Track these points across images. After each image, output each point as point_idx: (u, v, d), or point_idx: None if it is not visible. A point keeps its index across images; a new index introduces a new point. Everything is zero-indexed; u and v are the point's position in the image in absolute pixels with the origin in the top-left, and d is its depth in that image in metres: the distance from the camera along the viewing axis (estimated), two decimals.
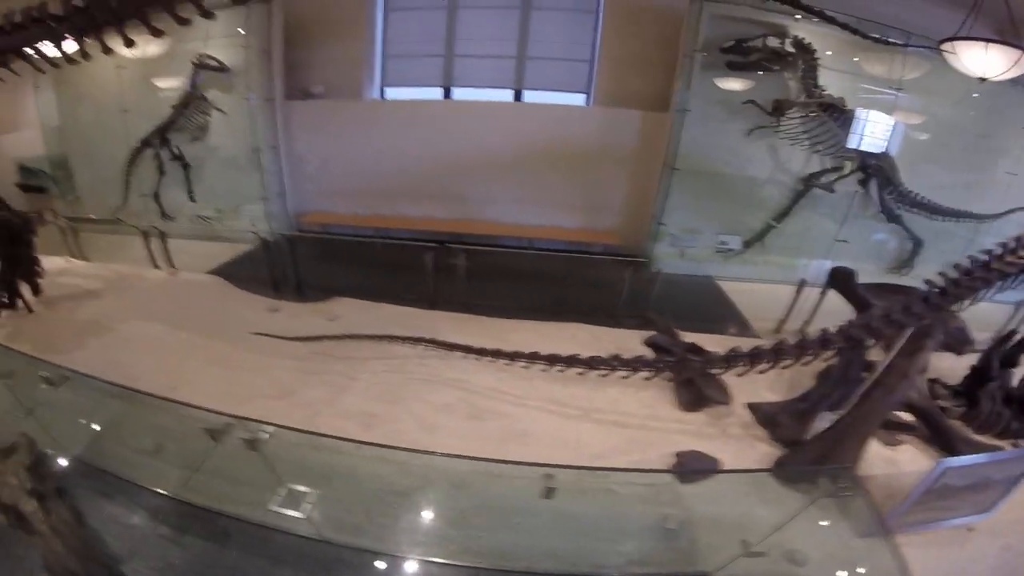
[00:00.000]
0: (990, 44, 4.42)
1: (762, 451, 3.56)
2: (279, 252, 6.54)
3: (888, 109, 6.50)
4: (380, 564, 2.63)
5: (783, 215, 7.17)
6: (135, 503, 2.78)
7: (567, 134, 7.63)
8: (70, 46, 3.19)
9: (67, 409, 3.35)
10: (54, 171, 7.98)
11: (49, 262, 5.77)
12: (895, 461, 3.44)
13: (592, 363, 3.59)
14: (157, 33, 2.99)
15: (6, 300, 5.07)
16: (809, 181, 6.95)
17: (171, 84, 7.51)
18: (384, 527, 2.76)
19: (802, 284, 5.53)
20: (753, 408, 3.91)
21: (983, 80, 4.60)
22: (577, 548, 2.74)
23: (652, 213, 7.33)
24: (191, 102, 7.46)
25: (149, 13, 2.91)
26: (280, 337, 4.88)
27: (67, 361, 3.79)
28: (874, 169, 6.69)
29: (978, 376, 3.79)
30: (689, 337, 4.85)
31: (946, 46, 4.64)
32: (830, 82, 6.51)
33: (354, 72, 8.05)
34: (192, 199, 8.00)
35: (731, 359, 3.20)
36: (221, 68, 7.31)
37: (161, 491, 2.81)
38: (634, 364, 3.47)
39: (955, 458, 2.63)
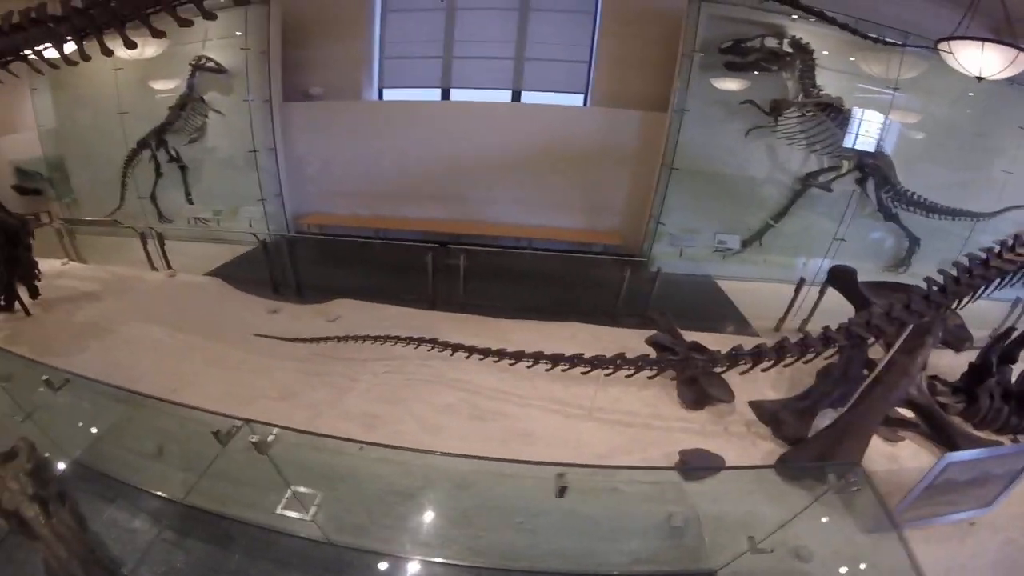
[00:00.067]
0: (986, 43, 4.45)
1: (765, 449, 3.57)
2: (278, 253, 6.53)
3: (885, 108, 6.54)
4: (383, 565, 2.62)
5: (781, 214, 7.21)
6: (137, 507, 2.77)
7: (566, 135, 7.65)
8: (69, 47, 3.17)
9: (67, 412, 3.32)
10: (51, 173, 7.94)
11: (46, 264, 5.75)
12: (896, 457, 3.46)
13: (596, 362, 3.59)
14: (158, 34, 2.97)
15: (4, 303, 5.05)
16: (807, 180, 6.99)
17: (168, 86, 7.50)
18: (388, 528, 2.76)
19: (801, 283, 5.56)
20: (755, 406, 3.92)
21: (980, 79, 4.62)
22: (583, 547, 2.74)
23: (651, 213, 7.36)
24: (188, 104, 7.45)
25: (149, 14, 2.90)
26: (281, 339, 4.87)
27: (66, 364, 3.75)
28: (871, 168, 6.73)
29: (977, 373, 3.82)
30: (689, 336, 4.86)
31: (943, 45, 4.66)
32: (828, 82, 6.55)
33: (353, 73, 8.05)
34: (190, 201, 7.99)
35: (735, 357, 3.21)
36: (219, 70, 7.32)
37: (163, 494, 2.80)
38: (638, 363, 3.47)
39: (958, 452, 2.64)
